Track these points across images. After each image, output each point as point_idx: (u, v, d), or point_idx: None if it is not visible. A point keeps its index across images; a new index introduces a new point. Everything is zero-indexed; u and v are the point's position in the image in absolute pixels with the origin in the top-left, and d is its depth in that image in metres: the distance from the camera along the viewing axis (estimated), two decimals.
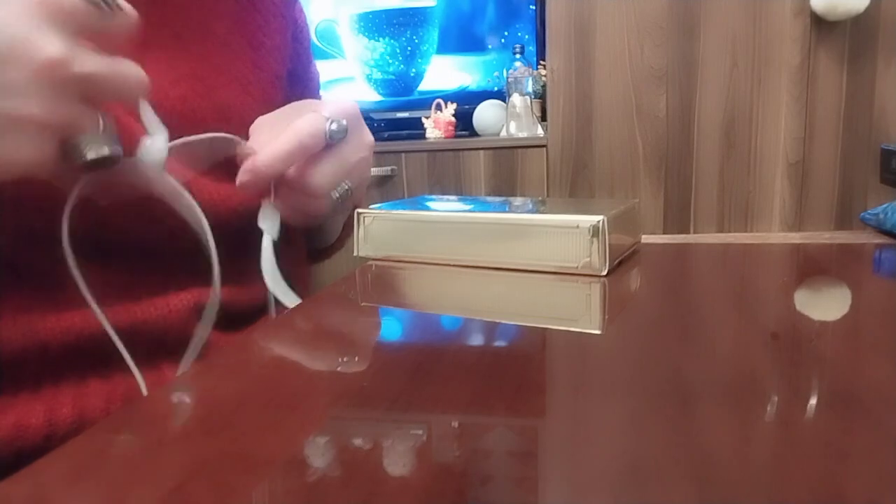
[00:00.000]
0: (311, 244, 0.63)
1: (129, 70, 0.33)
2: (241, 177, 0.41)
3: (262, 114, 0.49)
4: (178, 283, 0.43)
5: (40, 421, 0.37)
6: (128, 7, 0.33)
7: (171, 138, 0.42)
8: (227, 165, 0.47)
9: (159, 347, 0.42)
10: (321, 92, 0.66)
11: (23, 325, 0.37)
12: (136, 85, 0.34)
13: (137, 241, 0.42)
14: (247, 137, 0.45)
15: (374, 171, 1.53)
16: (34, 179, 0.35)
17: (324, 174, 0.42)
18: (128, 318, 0.40)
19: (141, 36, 0.42)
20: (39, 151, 0.30)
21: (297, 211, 0.44)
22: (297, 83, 0.58)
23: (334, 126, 0.42)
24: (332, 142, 0.42)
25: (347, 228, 0.65)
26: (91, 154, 0.32)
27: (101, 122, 0.33)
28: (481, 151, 1.52)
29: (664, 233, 1.47)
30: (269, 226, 0.44)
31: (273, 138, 0.41)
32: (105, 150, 0.33)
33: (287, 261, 0.54)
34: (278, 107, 0.51)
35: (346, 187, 0.44)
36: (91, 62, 0.31)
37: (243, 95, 0.49)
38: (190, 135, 0.43)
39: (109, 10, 0.32)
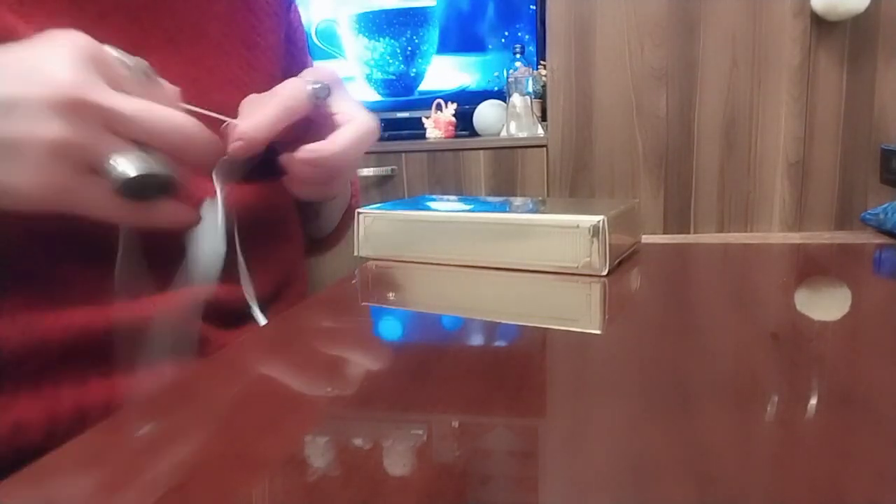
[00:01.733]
0: (308, 234, 0.63)
1: (180, 122, 0.33)
2: (233, 145, 0.40)
3: None
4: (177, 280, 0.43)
5: (40, 420, 0.37)
6: (170, 88, 0.35)
7: None
8: None
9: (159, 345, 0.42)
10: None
11: (22, 323, 0.37)
12: (184, 140, 0.33)
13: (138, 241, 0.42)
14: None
15: (374, 171, 1.53)
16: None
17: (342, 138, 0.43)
18: (127, 316, 0.40)
19: (133, 39, 0.42)
20: (48, 174, 0.30)
21: (310, 184, 0.45)
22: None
23: (316, 85, 0.43)
24: (317, 101, 0.43)
25: (346, 220, 0.65)
26: (125, 169, 0.31)
27: (140, 151, 0.32)
28: (481, 151, 1.52)
29: (664, 233, 1.47)
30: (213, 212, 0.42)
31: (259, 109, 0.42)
32: (147, 167, 0.31)
33: (286, 260, 0.54)
34: None
35: (325, 87, 0.44)
36: (115, 98, 0.31)
37: (238, 96, 0.48)
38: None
39: (146, 78, 0.34)
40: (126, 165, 0.31)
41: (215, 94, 0.46)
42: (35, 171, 0.30)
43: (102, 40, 0.40)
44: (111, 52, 0.33)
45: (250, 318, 0.49)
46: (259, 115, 0.41)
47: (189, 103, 0.43)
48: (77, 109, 0.30)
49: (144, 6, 0.43)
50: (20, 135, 0.29)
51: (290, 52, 0.57)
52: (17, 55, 0.31)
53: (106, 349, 0.40)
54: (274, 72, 0.53)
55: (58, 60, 0.30)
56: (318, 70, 0.46)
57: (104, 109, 0.30)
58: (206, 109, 0.41)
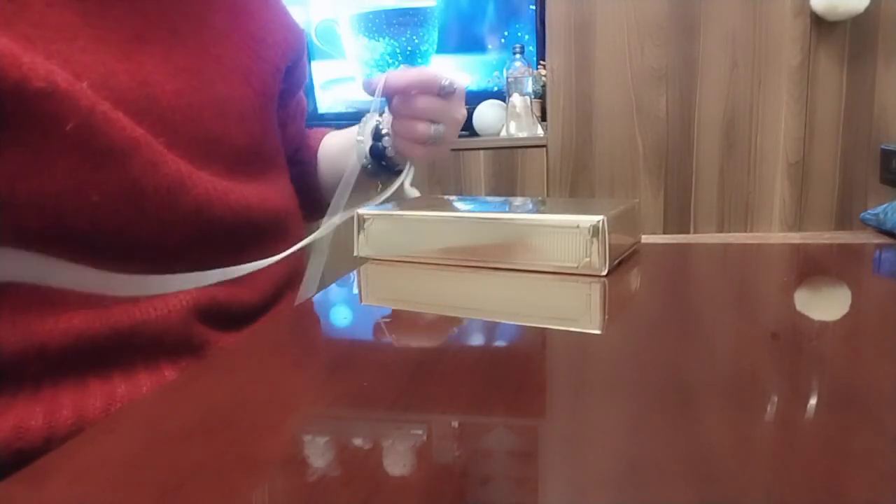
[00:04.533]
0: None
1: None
2: (372, 84, 0.54)
3: (262, 106, 0.51)
4: None
5: (40, 422, 0.37)
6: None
7: (168, 131, 0.42)
8: (226, 161, 0.47)
9: (159, 348, 0.42)
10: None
11: (22, 326, 0.37)
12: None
13: (135, 240, 0.42)
14: (245, 131, 0.49)
15: None
16: (35, 178, 0.36)
17: (429, 105, 0.56)
18: (127, 319, 0.40)
19: (137, 29, 0.42)
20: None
21: (404, 137, 0.57)
22: (293, 83, 0.59)
23: (446, 82, 0.55)
24: (442, 93, 0.55)
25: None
26: None
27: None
28: (481, 151, 1.52)
29: (664, 233, 1.47)
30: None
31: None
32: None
33: (288, 261, 0.54)
34: (275, 100, 0.54)
35: (441, 129, 0.57)
36: None
37: (244, 86, 0.49)
38: (187, 128, 0.43)
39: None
40: None
41: (219, 86, 0.46)
42: None
43: (106, 30, 0.40)
44: None
45: (250, 319, 0.49)
46: (403, 73, 0.54)
47: (191, 92, 0.44)
48: None
49: None
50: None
51: (298, 53, 0.58)
52: None
53: (105, 352, 0.40)
54: (280, 66, 0.54)
55: None
56: (456, 75, 0.58)
57: None
58: (213, 97, 0.46)
